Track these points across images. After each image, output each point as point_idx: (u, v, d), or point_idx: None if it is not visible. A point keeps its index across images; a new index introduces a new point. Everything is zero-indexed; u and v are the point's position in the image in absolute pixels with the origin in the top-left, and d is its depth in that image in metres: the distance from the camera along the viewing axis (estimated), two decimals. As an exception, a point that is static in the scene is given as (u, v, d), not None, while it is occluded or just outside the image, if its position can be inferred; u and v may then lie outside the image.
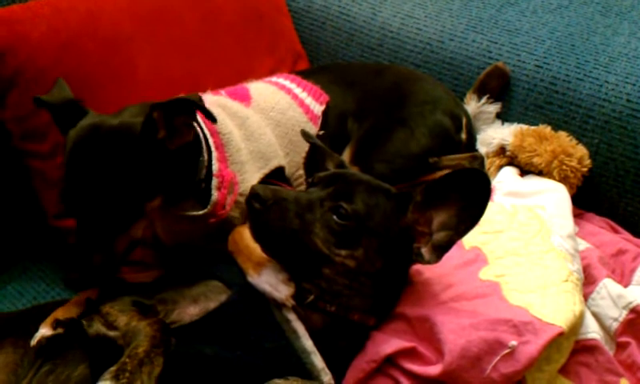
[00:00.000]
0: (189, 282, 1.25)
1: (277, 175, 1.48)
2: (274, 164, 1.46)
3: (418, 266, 1.28)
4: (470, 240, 1.37)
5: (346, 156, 1.59)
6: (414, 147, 1.58)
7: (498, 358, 1.15)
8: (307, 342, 1.18)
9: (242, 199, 1.34)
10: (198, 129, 1.35)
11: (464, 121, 1.65)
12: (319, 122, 1.60)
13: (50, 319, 1.25)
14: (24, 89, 1.47)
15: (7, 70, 1.47)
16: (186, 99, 1.24)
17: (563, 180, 1.53)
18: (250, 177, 1.41)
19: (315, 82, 1.65)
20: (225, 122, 1.41)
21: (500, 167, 1.59)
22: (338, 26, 1.91)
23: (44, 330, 1.23)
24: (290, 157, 1.52)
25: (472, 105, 1.71)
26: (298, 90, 1.61)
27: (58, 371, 1.17)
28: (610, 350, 1.30)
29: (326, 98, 1.63)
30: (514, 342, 1.15)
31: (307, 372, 1.17)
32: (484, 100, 1.70)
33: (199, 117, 1.33)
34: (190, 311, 1.19)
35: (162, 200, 1.29)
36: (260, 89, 1.59)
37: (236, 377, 1.13)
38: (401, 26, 1.84)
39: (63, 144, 1.29)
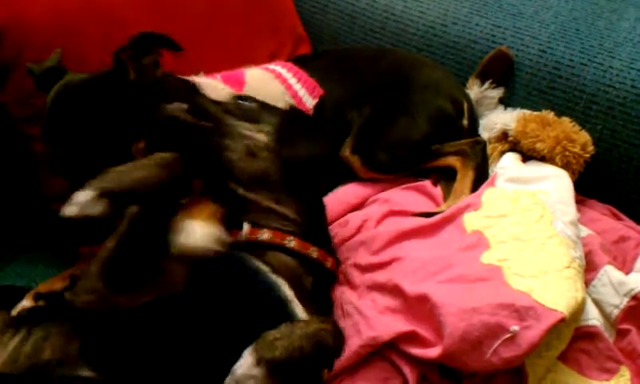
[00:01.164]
0: None
1: None
2: None
3: (413, 241, 1.31)
4: (471, 223, 1.37)
5: (347, 145, 1.58)
6: (416, 135, 1.58)
7: (499, 342, 1.15)
8: (287, 291, 1.15)
9: None
10: None
11: (465, 106, 1.64)
12: (311, 114, 1.59)
13: (32, 292, 1.28)
14: (22, 71, 1.45)
15: (6, 50, 1.45)
16: (148, 34, 1.26)
17: (566, 166, 1.51)
18: None
19: (312, 69, 1.65)
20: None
21: (502, 153, 1.58)
22: (340, 8, 1.90)
23: (25, 302, 1.25)
24: None
25: (475, 89, 1.69)
26: (292, 80, 1.61)
27: (37, 336, 1.16)
28: (610, 337, 1.29)
29: (320, 91, 1.62)
30: (515, 327, 1.15)
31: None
32: (487, 85, 1.69)
33: None
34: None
35: (146, 142, 1.28)
36: (255, 75, 1.59)
37: (220, 338, 1.10)
38: (404, 8, 1.83)
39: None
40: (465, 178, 1.53)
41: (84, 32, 1.51)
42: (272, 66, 1.64)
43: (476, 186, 1.52)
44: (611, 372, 1.25)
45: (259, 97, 1.50)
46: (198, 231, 1.10)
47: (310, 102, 1.60)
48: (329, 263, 1.29)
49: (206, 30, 1.68)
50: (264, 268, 1.17)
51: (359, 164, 1.56)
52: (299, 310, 1.14)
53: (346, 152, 1.57)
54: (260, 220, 1.23)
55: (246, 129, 1.32)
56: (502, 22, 1.73)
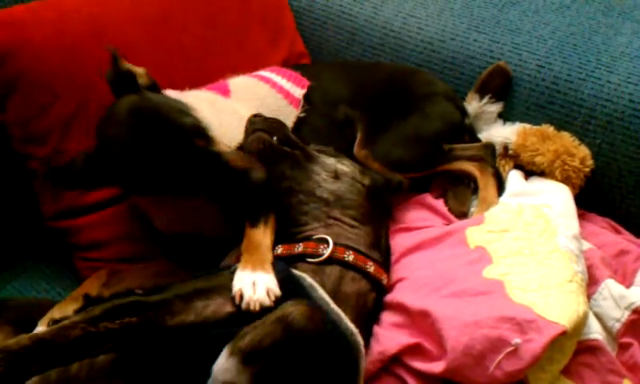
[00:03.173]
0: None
1: None
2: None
3: (417, 258, 1.34)
4: (475, 239, 1.39)
5: (357, 143, 1.58)
6: (429, 130, 1.59)
7: (502, 355, 1.16)
8: (350, 324, 1.20)
9: None
10: None
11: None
12: (300, 104, 1.61)
13: (46, 318, 1.28)
14: (26, 92, 1.47)
15: (9, 73, 1.46)
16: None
17: (565, 180, 1.53)
18: None
19: (312, 71, 1.68)
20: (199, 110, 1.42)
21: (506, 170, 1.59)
22: (339, 25, 1.91)
23: (40, 329, 1.25)
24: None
25: (473, 104, 1.70)
26: (277, 78, 1.63)
27: None
28: (612, 350, 1.30)
29: (306, 82, 1.64)
30: (517, 340, 1.16)
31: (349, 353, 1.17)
32: (486, 100, 1.69)
33: None
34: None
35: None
36: (239, 83, 1.61)
37: None
38: (402, 25, 1.84)
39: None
40: (488, 186, 1.55)
41: (87, 54, 1.51)
42: (255, 72, 1.66)
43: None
44: (614, 385, 1.25)
45: (246, 100, 1.55)
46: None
47: (297, 92, 1.62)
48: (384, 279, 1.35)
49: (209, 52, 1.69)
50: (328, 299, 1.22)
51: (370, 159, 1.56)
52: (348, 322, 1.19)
53: (357, 149, 1.58)
54: (341, 238, 1.32)
55: (328, 158, 1.43)
56: (500, 37, 1.75)
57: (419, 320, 1.25)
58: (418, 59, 1.80)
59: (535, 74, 1.68)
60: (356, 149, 1.58)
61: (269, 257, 1.26)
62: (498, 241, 1.37)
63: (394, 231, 1.49)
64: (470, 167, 1.58)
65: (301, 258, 1.29)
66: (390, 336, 1.25)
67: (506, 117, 1.71)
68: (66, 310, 1.30)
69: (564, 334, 1.18)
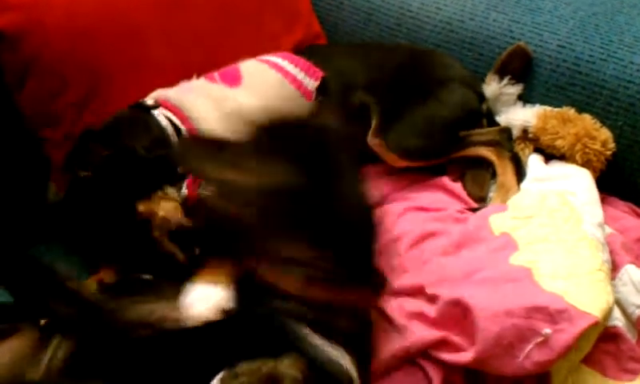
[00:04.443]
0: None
1: None
2: None
3: (439, 242, 1.29)
4: (499, 225, 1.36)
5: (371, 130, 1.56)
6: (444, 118, 1.57)
7: (532, 345, 1.14)
8: (332, 351, 1.12)
9: None
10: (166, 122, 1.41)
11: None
12: (313, 96, 1.59)
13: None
14: (38, 77, 1.47)
15: (22, 57, 1.46)
16: None
17: (586, 164, 1.50)
18: None
19: (320, 55, 1.65)
20: (196, 106, 1.45)
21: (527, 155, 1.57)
22: (355, 5, 1.88)
23: None
24: None
25: (493, 86, 1.67)
26: (290, 67, 1.60)
27: (66, 349, 1.16)
28: (632, 338, 1.28)
29: (320, 74, 1.61)
30: (548, 330, 1.14)
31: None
32: (505, 81, 1.66)
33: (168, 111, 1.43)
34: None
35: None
36: (250, 68, 1.59)
37: None
38: (420, 5, 1.81)
39: None
40: (506, 171, 1.53)
41: (99, 38, 1.51)
42: (267, 57, 1.64)
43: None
44: (634, 373, 1.24)
45: (258, 88, 1.53)
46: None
47: (311, 84, 1.60)
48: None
49: (222, 34, 1.67)
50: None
51: (385, 148, 1.55)
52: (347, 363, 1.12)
53: (371, 137, 1.56)
54: None
55: None
56: (520, 17, 1.71)
57: (447, 309, 1.23)
58: (436, 40, 1.77)
59: (556, 55, 1.64)
60: (370, 137, 1.56)
61: None
62: (522, 227, 1.34)
63: (410, 209, 1.47)
64: (486, 153, 1.56)
65: None
66: (414, 330, 1.23)
67: (525, 99, 1.68)
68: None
69: (596, 324, 1.16)
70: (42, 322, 1.21)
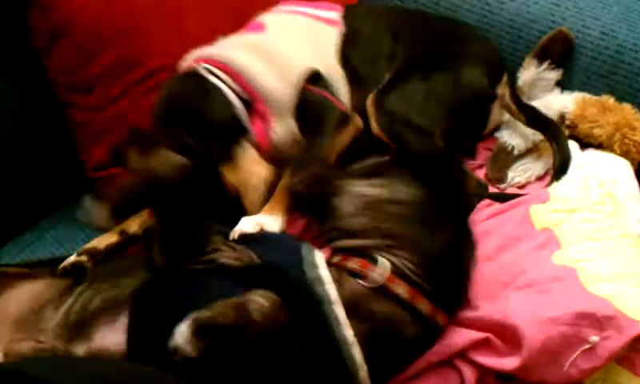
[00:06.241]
0: None
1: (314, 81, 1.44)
2: (300, 71, 1.42)
3: (480, 238, 1.25)
4: (541, 220, 1.33)
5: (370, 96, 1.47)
6: (443, 96, 1.47)
7: (577, 353, 1.11)
8: (348, 332, 1.10)
9: None
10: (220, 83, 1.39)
11: (504, 77, 1.56)
12: (341, 24, 1.53)
13: (82, 249, 1.30)
14: (72, 39, 1.45)
15: (56, 18, 1.44)
16: None
17: (625, 154, 1.47)
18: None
19: (352, 11, 1.60)
20: (240, 58, 1.42)
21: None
22: (394, -18, 1.84)
23: (71, 258, 1.27)
24: (319, 55, 1.47)
25: (531, 70, 1.63)
26: (307, 9, 1.56)
27: (88, 294, 1.19)
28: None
29: (338, 6, 1.58)
30: (595, 338, 1.11)
31: (343, 364, 1.09)
32: (544, 66, 1.62)
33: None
34: None
35: None
36: (272, 17, 1.55)
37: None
38: (459, -16, 1.77)
39: None
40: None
41: (133, 2, 1.49)
42: (281, 7, 1.59)
43: None
44: (665, 371, 1.21)
45: (285, 33, 1.49)
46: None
47: (333, 15, 1.55)
48: (439, 319, 1.19)
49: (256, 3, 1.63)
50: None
51: (370, 104, 1.44)
52: (357, 353, 1.10)
53: (372, 94, 1.46)
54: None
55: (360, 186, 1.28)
56: (562, 1, 1.66)
57: (489, 314, 1.19)
58: (474, 20, 1.72)
59: (598, 42, 1.60)
60: (372, 94, 1.46)
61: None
62: (565, 222, 1.31)
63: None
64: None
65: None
66: (454, 329, 1.19)
67: (564, 85, 1.64)
68: (99, 243, 1.31)
69: (643, 332, 1.12)
70: (60, 267, 1.25)
